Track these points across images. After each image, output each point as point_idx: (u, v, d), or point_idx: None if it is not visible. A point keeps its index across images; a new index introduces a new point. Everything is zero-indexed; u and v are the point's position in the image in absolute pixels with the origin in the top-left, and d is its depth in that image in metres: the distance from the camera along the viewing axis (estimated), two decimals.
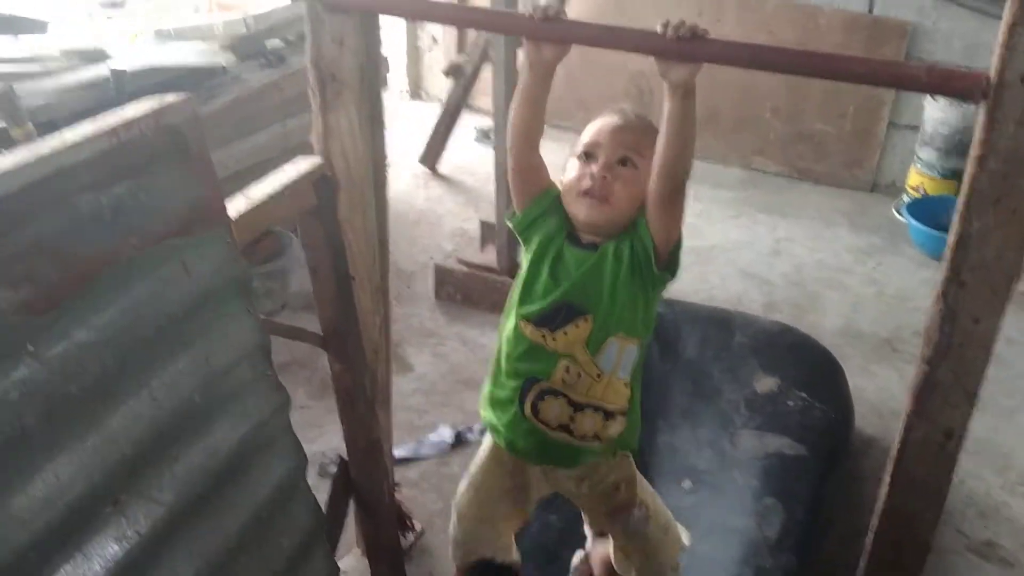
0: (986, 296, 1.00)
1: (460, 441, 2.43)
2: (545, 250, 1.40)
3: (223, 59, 2.86)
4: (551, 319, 1.37)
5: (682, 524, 1.91)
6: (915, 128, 3.70)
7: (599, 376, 1.38)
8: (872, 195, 3.90)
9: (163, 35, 3.08)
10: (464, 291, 3.07)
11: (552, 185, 1.43)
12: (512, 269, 3.01)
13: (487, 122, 4.49)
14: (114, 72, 2.49)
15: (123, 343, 1.00)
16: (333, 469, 2.13)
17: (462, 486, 1.64)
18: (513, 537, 1.67)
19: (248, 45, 3.10)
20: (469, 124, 4.33)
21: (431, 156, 4.01)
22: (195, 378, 1.11)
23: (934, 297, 1.06)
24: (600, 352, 1.37)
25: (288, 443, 1.32)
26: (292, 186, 1.39)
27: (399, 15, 1.32)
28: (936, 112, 3.44)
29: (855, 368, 2.63)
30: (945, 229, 3.27)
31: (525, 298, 1.41)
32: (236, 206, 1.29)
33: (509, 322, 1.44)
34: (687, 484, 2.02)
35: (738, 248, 3.44)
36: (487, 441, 1.58)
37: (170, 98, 1.07)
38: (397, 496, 2.00)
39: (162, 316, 1.06)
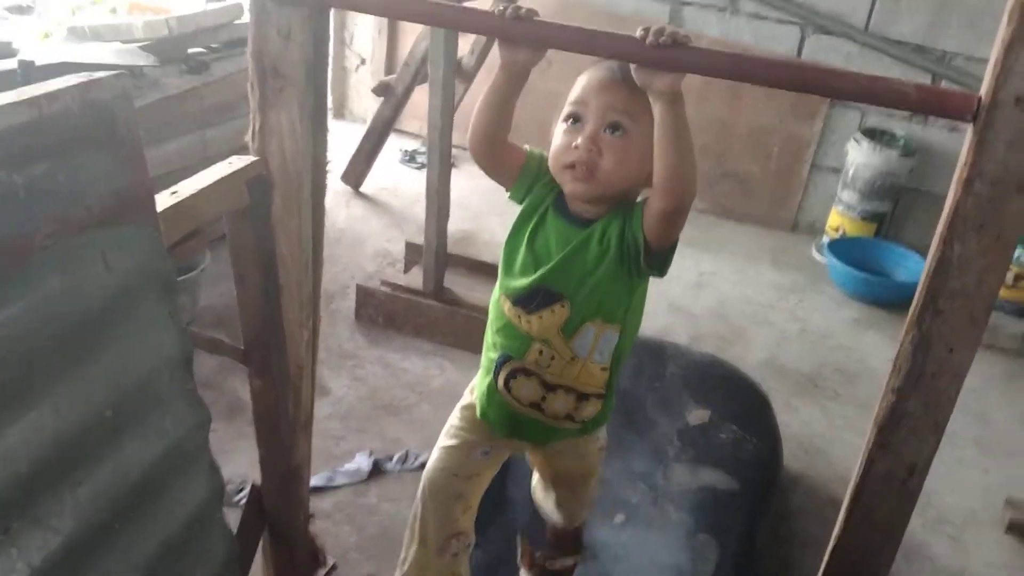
0: (963, 325, 0.97)
1: (378, 471, 2.31)
2: (529, 216, 1.34)
3: (142, 59, 2.70)
4: (528, 301, 1.32)
5: (613, 560, 1.85)
6: (837, 170, 3.80)
7: (573, 360, 1.33)
8: (793, 234, 3.98)
9: (77, 33, 2.90)
10: (387, 313, 2.96)
11: (529, 153, 1.35)
12: (438, 292, 2.92)
13: (413, 144, 4.42)
14: (21, 63, 2.31)
15: (29, 344, 0.87)
16: (239, 498, 2.00)
17: (438, 448, 1.54)
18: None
19: (170, 48, 2.95)
20: (395, 146, 4.25)
21: (354, 175, 3.90)
22: (108, 389, 0.99)
23: (907, 324, 1.02)
24: (575, 337, 1.32)
25: (205, 467, 1.19)
26: (224, 183, 1.28)
27: (361, 10, 1.23)
28: (859, 156, 3.54)
29: (779, 403, 2.63)
30: (864, 269, 3.37)
31: (507, 270, 1.36)
32: (162, 201, 1.17)
33: (495, 291, 1.39)
34: (619, 518, 1.95)
35: (664, 281, 3.41)
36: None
37: (100, 73, 0.96)
38: (311, 528, 1.87)
39: (76, 316, 0.93)
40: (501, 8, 1.11)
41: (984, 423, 2.79)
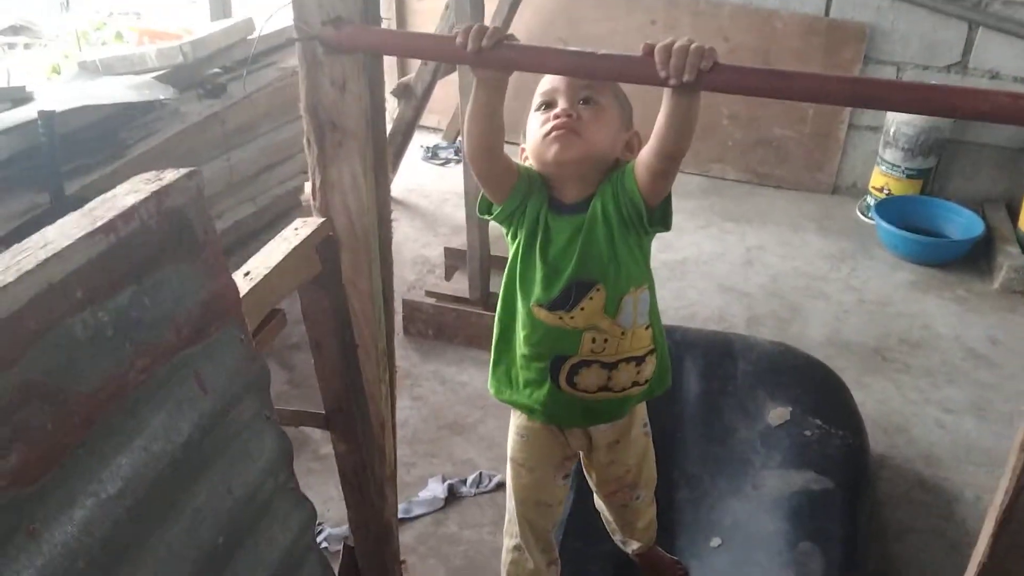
0: None
1: (453, 495, 2.24)
2: (533, 233, 1.37)
3: (161, 91, 2.60)
4: (564, 301, 1.37)
5: None
6: (875, 129, 3.67)
7: (623, 334, 1.39)
8: (834, 197, 3.85)
9: (88, 68, 2.80)
10: (436, 326, 2.88)
11: (520, 171, 1.37)
12: (486, 299, 2.84)
13: (433, 139, 4.32)
14: (42, 114, 2.22)
15: (135, 493, 0.80)
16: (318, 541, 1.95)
17: (512, 478, 1.62)
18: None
19: (186, 75, 2.85)
20: (414, 143, 4.14)
21: None
22: (217, 516, 0.92)
23: None
24: (619, 314, 1.37)
25: (315, 564, 1.12)
26: (295, 254, 1.19)
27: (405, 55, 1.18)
28: (900, 113, 3.41)
29: (850, 382, 2.52)
30: (914, 228, 3.25)
31: (526, 286, 1.39)
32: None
33: (518, 307, 1.42)
34: (716, 542, 1.87)
35: (711, 260, 3.33)
36: (522, 423, 1.56)
37: (170, 175, 0.88)
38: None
39: (177, 449, 0.86)
40: (467, 30, 1.08)
41: None
